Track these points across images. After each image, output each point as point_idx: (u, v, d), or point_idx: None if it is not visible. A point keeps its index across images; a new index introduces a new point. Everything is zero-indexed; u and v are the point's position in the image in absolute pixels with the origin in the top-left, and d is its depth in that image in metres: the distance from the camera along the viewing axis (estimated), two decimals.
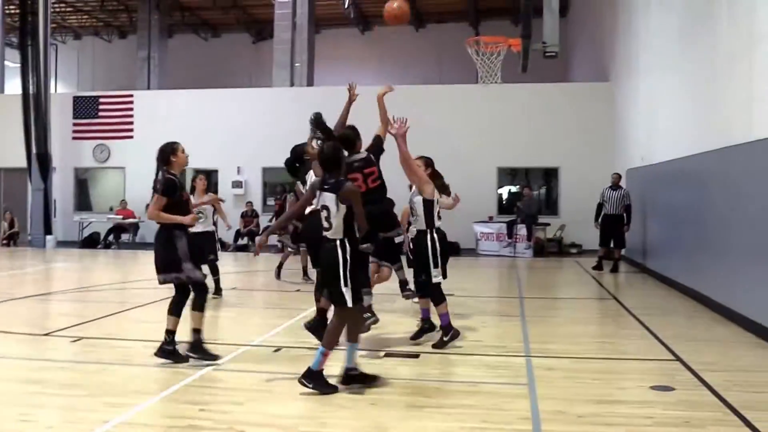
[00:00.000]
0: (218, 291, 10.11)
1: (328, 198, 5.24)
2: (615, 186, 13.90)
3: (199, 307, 6.13)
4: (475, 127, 18.99)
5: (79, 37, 30.48)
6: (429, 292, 6.78)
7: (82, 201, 21.77)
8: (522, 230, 16.92)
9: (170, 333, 6.04)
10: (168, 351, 6.01)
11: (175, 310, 6.13)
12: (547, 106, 18.78)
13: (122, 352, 6.67)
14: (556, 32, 14.22)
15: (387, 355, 6.41)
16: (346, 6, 25.43)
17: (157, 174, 6.40)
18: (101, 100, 21.56)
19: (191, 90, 21.21)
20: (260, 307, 10.08)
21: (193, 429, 4.42)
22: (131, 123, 21.13)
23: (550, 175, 19.66)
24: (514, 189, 19.98)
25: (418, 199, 6.92)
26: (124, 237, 20.05)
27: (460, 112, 19.17)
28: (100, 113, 21.43)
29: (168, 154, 6.47)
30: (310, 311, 8.92)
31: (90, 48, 29.22)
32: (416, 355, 6.37)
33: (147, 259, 16.63)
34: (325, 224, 5.29)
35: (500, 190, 19.70)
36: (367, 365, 6.04)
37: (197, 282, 6.07)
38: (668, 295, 10.38)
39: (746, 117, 7.84)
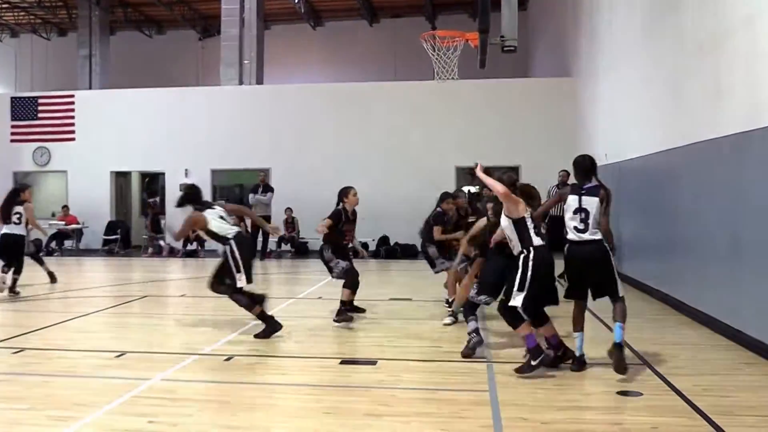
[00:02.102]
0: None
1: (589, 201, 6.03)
2: (563, 184, 14.03)
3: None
4: (432, 125, 19.05)
5: (17, 34, 29.81)
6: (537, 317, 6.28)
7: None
8: None
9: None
10: None
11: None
12: (507, 103, 18.92)
13: (66, 363, 6.56)
14: (514, 26, 14.31)
15: (343, 362, 6.42)
16: (296, 0, 25.36)
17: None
18: (40, 100, 21.09)
19: (135, 89, 20.87)
20: (210, 315, 9.97)
21: None
22: (72, 125, 20.71)
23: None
24: (473, 189, 20.07)
25: (506, 223, 6.29)
26: (67, 244, 19.64)
27: (416, 109, 19.22)
28: (40, 114, 20.97)
29: (341, 196, 8.65)
30: (279, 309, 8.89)
31: (28, 46, 28.56)
32: (373, 362, 6.39)
33: (92, 267, 16.50)
34: (581, 225, 5.99)
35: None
36: (321, 372, 6.07)
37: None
38: (635, 297, 10.45)
39: (713, 113, 7.94)
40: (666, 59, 9.95)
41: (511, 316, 6.07)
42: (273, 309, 9.76)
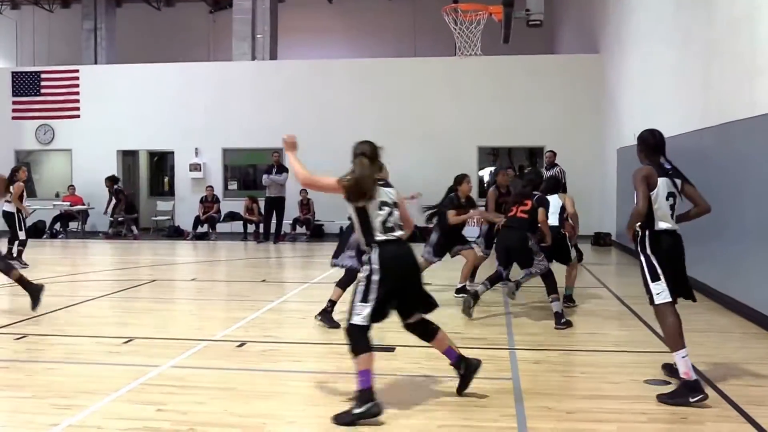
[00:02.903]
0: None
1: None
2: (550, 165, 13.94)
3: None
4: (454, 104, 18.97)
5: (17, 6, 29.87)
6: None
7: (26, 186, 21.36)
8: None
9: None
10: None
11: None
12: (531, 81, 18.78)
13: (72, 349, 6.60)
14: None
15: None
16: None
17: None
18: (43, 75, 21.19)
19: (142, 64, 20.88)
20: (222, 300, 10.01)
21: (149, 431, 4.39)
22: (77, 101, 20.80)
23: (534, 155, 19.73)
24: (491, 170, 20.01)
25: None
26: (73, 225, 19.78)
27: (437, 86, 19.13)
28: (43, 90, 21.07)
29: (456, 183, 9.06)
30: (277, 303, 8.93)
31: (30, 19, 28.58)
32: (392, 349, 6.37)
33: (98, 250, 16.62)
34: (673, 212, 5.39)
35: (481, 172, 19.73)
36: (338, 360, 6.04)
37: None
38: None
39: (748, 91, 7.87)
40: (698, 35, 9.84)
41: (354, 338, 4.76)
42: (287, 294, 9.81)
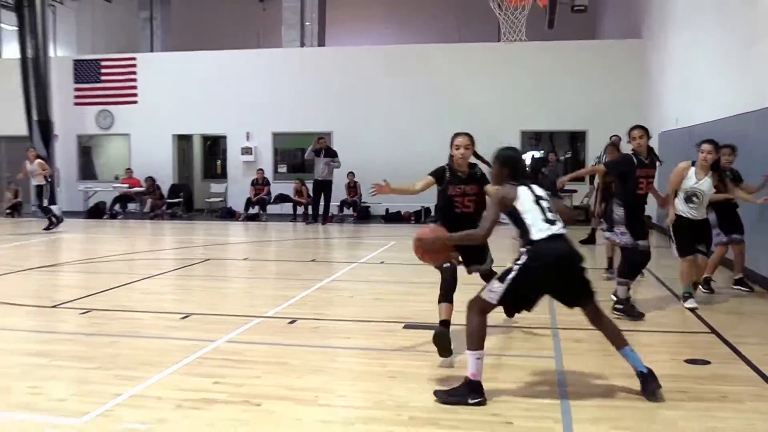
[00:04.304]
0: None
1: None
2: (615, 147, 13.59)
3: None
4: (497, 89, 18.82)
5: None
6: None
7: (87, 169, 21.89)
8: None
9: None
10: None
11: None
12: (574, 66, 18.52)
13: (132, 324, 6.76)
14: None
15: (407, 326, 6.45)
16: None
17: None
18: (103, 63, 21.56)
19: (196, 52, 21.10)
20: (274, 278, 10.15)
21: (207, 402, 4.49)
22: (135, 87, 21.13)
23: (576, 140, 19.49)
24: (538, 154, 19.84)
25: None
26: (131, 207, 20.19)
27: (481, 72, 18.99)
28: (102, 77, 21.44)
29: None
30: (326, 282, 9.01)
31: (89, 9, 29.00)
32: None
33: (155, 229, 16.93)
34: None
35: (523, 156, 19.55)
36: (385, 336, 6.10)
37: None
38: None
39: None
40: (740, 18, 9.60)
41: None
42: (336, 273, 9.90)
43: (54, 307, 7.55)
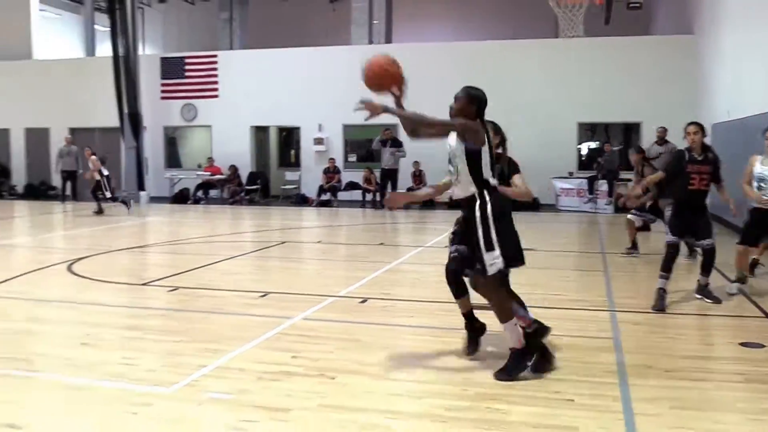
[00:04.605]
0: None
1: None
2: (661, 141, 13.19)
3: None
4: (555, 83, 18.48)
5: (164, 0, 31.10)
6: None
7: (172, 158, 22.42)
8: (603, 186, 16.50)
9: None
10: None
11: None
12: (629, 60, 18.05)
13: (216, 301, 6.90)
14: None
15: (474, 307, 6.37)
16: None
17: None
18: (187, 60, 21.98)
19: (272, 49, 21.34)
20: (345, 260, 10.22)
21: (286, 375, 4.55)
22: (216, 83, 21.49)
23: (630, 131, 19.03)
24: (593, 145, 19.44)
25: None
26: (212, 193, 20.60)
27: (539, 67, 18.66)
28: (187, 73, 21.87)
29: None
30: (394, 264, 9.02)
31: (174, 10, 29.67)
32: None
33: (234, 214, 17.23)
34: None
35: (580, 146, 19.20)
36: (449, 317, 6.07)
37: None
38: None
39: None
40: None
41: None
42: (403, 256, 9.89)
43: (144, 284, 7.76)
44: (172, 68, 22.01)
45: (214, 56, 21.77)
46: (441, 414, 3.92)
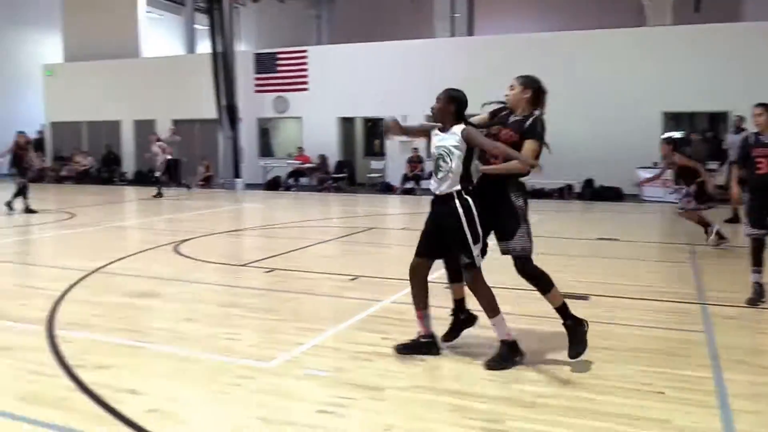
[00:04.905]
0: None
1: None
2: (738, 130, 12.42)
3: None
4: (642, 72, 17.76)
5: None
6: None
7: (265, 148, 22.90)
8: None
9: None
10: None
11: None
12: (717, 48, 17.13)
13: (309, 283, 6.98)
14: None
15: None
16: None
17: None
18: (279, 56, 22.35)
19: (357, 44, 21.41)
20: None
21: (377, 355, 4.57)
22: (306, 76, 21.76)
23: (716, 120, 18.10)
24: (678, 134, 18.60)
25: None
26: (302, 180, 20.92)
27: (626, 56, 17.98)
28: (278, 68, 22.24)
29: None
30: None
31: (267, 8, 30.18)
32: (585, 297, 6.15)
33: (322, 201, 17.45)
34: None
35: (664, 135, 18.42)
36: (534, 304, 5.93)
37: None
38: None
39: None
40: None
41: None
42: (490, 243, 9.67)
43: (243, 266, 7.95)
44: (265, 63, 22.43)
45: (304, 51, 22.03)
46: (528, 400, 3.84)
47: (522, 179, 4.61)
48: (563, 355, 4.46)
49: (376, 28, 25.78)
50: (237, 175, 20.77)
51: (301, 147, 21.17)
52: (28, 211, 13.53)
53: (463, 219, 4.43)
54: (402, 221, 13.32)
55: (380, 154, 21.60)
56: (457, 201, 4.45)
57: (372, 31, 24.70)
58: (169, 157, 17.94)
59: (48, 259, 8.66)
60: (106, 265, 7.84)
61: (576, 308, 5.30)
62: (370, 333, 5.07)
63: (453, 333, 4.88)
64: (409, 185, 19.02)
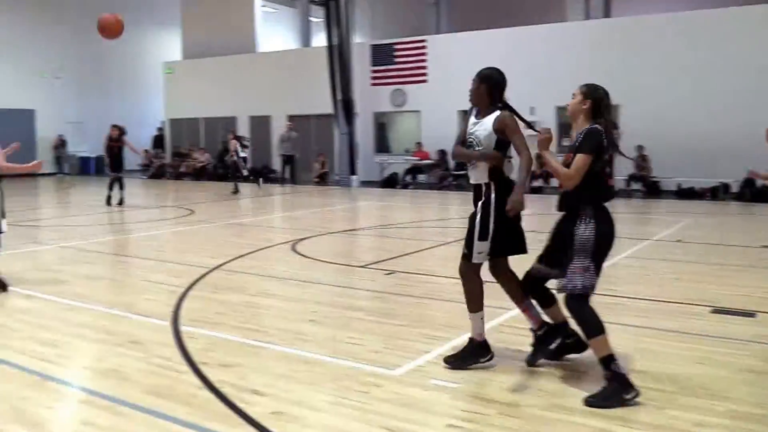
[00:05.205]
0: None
1: None
2: None
3: None
4: None
5: None
6: None
7: (381, 144, 23.19)
8: None
9: None
10: None
11: None
12: None
13: (433, 287, 6.97)
14: None
15: (715, 311, 5.87)
16: None
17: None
18: (396, 47, 22.54)
19: (479, 31, 21.16)
20: None
21: (510, 367, 4.50)
22: (425, 68, 21.82)
23: None
24: None
25: None
26: (420, 177, 21.00)
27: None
28: (396, 59, 22.43)
29: None
30: (618, 258, 8.52)
31: None
32: (751, 314, 5.76)
33: (442, 200, 17.41)
34: None
35: None
36: (689, 320, 5.64)
37: None
38: None
39: None
40: None
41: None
42: (629, 249, 9.20)
43: (362, 267, 8.05)
44: (381, 55, 22.69)
45: (423, 41, 22.10)
46: (687, 429, 3.59)
47: (605, 203, 4.22)
48: (725, 380, 4.20)
49: (499, 13, 25.39)
50: (353, 171, 21.15)
51: (419, 142, 21.26)
52: (110, 203, 14.82)
53: (479, 212, 4.44)
54: (531, 223, 13.01)
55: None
56: (483, 193, 4.47)
57: (495, 17, 24.36)
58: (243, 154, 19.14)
59: (170, 255, 9.15)
60: (226, 262, 8.19)
61: (739, 325, 5.00)
62: (501, 343, 4.97)
63: (556, 353, 4.64)
64: (538, 183, 18.61)
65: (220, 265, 8.00)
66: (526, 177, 4.41)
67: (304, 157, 22.44)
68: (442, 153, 20.55)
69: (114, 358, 4.74)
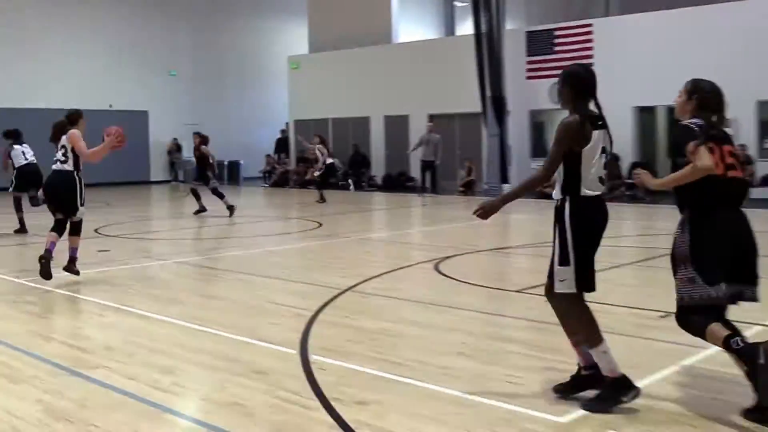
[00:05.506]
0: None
1: None
2: None
3: None
4: None
5: None
6: None
7: (538, 146, 22.74)
8: None
9: None
10: None
11: None
12: None
13: (604, 318, 6.60)
14: None
15: None
16: None
17: None
18: (556, 33, 22.16)
19: (656, 12, 20.30)
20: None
21: (702, 419, 4.25)
22: (591, 56, 21.26)
23: None
24: None
25: None
26: None
27: None
28: (556, 48, 22.05)
29: None
30: None
31: None
32: None
33: (614, 213, 16.75)
34: None
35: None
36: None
37: None
38: None
39: None
40: None
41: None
42: None
43: (517, 291, 7.92)
44: (539, 43, 22.40)
45: (589, 26, 21.62)
46: None
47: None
48: None
49: None
50: (504, 179, 20.96)
51: None
52: (197, 212, 15.93)
53: (557, 234, 4.54)
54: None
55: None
56: (562, 211, 4.56)
57: None
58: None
59: (296, 274, 9.41)
60: (360, 283, 8.32)
61: None
62: (692, 389, 4.73)
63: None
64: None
65: (353, 286, 8.13)
66: (517, 192, 4.97)
67: (448, 163, 22.45)
68: (614, 158, 19.93)
69: (235, 389, 4.88)
